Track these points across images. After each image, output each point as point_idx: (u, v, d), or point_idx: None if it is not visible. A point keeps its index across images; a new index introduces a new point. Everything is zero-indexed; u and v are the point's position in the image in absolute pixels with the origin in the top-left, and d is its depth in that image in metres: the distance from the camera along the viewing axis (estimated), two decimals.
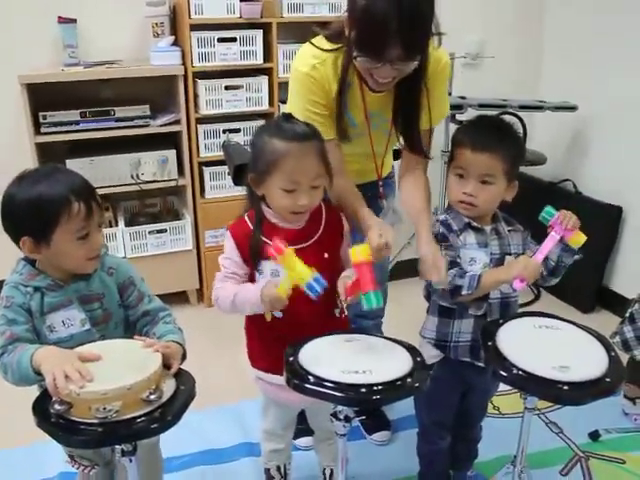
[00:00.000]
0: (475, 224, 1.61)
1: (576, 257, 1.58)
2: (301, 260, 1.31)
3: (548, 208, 1.56)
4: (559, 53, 3.37)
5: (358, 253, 1.35)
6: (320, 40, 1.67)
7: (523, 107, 3.00)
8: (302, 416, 1.79)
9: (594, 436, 2.25)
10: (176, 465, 2.11)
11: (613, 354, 1.36)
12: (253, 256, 1.50)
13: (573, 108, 3.08)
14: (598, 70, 3.11)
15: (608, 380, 1.28)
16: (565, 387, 1.24)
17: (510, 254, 1.63)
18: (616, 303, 3.00)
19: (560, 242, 1.54)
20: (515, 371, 1.28)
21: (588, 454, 2.18)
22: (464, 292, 1.52)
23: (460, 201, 1.60)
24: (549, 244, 1.53)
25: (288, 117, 1.52)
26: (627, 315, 2.22)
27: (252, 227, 1.53)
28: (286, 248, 1.31)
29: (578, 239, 1.53)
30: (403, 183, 1.82)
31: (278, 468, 1.79)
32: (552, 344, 1.39)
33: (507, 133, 1.64)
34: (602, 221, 3.02)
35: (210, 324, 2.88)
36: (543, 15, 3.41)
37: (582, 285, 3.03)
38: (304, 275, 1.29)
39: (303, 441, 2.13)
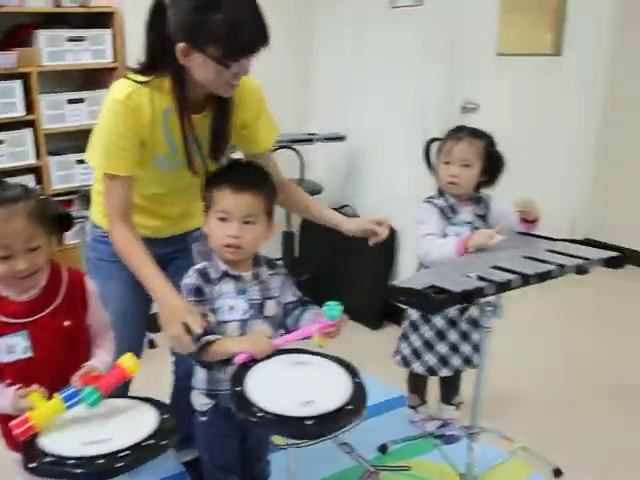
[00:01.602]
0: (233, 272, 1.64)
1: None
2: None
3: (336, 308, 1.55)
4: (327, 87, 3.56)
5: (125, 361, 1.40)
6: (133, 75, 1.67)
7: (294, 141, 3.13)
8: None
9: (382, 449, 2.36)
10: None
11: (357, 380, 1.44)
12: None
13: (342, 138, 3.26)
14: (361, 102, 3.33)
15: (350, 407, 1.34)
16: (309, 422, 1.29)
17: (271, 298, 1.68)
18: (401, 318, 3.17)
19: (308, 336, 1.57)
20: (261, 414, 1.30)
21: (377, 468, 2.27)
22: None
23: (226, 245, 1.60)
24: (298, 336, 1.58)
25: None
26: (401, 333, 2.37)
27: None
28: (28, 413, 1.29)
29: (322, 342, 1.56)
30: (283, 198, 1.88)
31: None
32: (300, 380, 1.43)
33: (263, 173, 1.69)
34: (381, 243, 3.21)
35: None
36: (311, 47, 3.58)
37: (369, 304, 3.19)
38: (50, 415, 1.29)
39: None
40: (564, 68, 3.89)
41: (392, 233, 3.19)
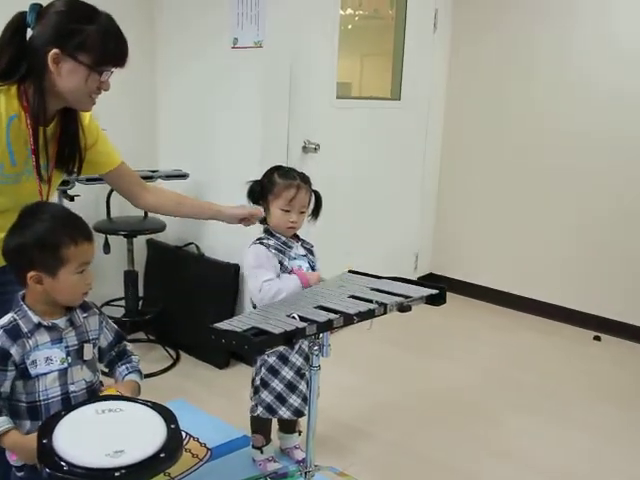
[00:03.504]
0: (46, 322, 1.56)
1: None
2: None
3: None
4: (172, 124, 3.53)
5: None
6: None
7: None
8: None
9: None
10: None
11: (173, 426, 1.40)
12: None
13: (184, 176, 3.24)
14: (206, 139, 3.33)
15: (163, 455, 1.31)
16: (118, 473, 1.24)
17: (89, 341, 1.63)
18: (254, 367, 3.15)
19: None
20: (67, 468, 1.25)
21: None
22: None
23: (84, 292, 1.59)
24: None
25: None
26: (258, 383, 2.29)
27: None
28: None
29: None
30: (150, 201, 2.14)
31: None
32: (111, 428, 1.38)
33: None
34: (223, 278, 3.21)
35: None
36: (155, 85, 3.54)
37: (216, 344, 3.15)
38: None
39: None
40: (403, 112, 4.10)
41: (236, 271, 3.22)
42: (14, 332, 1.53)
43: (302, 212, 2.21)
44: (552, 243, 4.09)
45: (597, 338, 3.88)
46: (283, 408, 2.27)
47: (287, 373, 2.26)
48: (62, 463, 1.27)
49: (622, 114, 3.70)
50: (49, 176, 1.82)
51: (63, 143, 1.82)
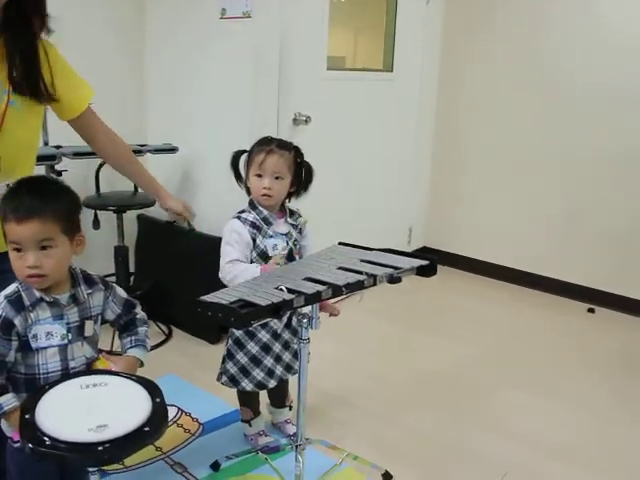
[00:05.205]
0: (48, 298, 1.54)
1: None
2: None
3: None
4: (161, 96, 3.48)
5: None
6: None
7: None
8: None
9: (215, 466, 2.31)
10: None
11: (158, 400, 1.38)
12: None
13: (173, 150, 3.20)
14: (195, 112, 3.29)
15: (147, 429, 1.29)
16: (102, 447, 1.23)
17: (91, 317, 1.61)
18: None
19: None
20: (50, 443, 1.23)
21: None
22: None
23: (28, 276, 1.49)
24: None
25: None
26: (225, 353, 2.32)
27: None
28: None
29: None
30: (101, 144, 2.07)
31: None
32: (95, 403, 1.36)
33: (51, 191, 1.58)
34: (215, 252, 3.16)
35: None
36: (144, 58, 3.49)
37: (207, 320, 3.13)
38: None
39: None
40: (396, 84, 4.05)
41: None
42: (17, 303, 1.51)
43: (277, 178, 2.15)
44: (548, 216, 4.07)
45: (591, 310, 3.88)
46: (246, 380, 2.28)
47: (252, 348, 2.26)
48: (45, 438, 1.25)
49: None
50: (7, 100, 1.67)
51: (11, 62, 1.67)
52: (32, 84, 1.72)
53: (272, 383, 2.31)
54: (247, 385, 2.29)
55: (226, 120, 3.16)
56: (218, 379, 2.34)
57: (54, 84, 1.77)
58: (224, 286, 1.75)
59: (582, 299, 3.97)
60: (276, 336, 2.27)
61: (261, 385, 2.30)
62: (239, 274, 2.07)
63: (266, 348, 2.27)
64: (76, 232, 1.58)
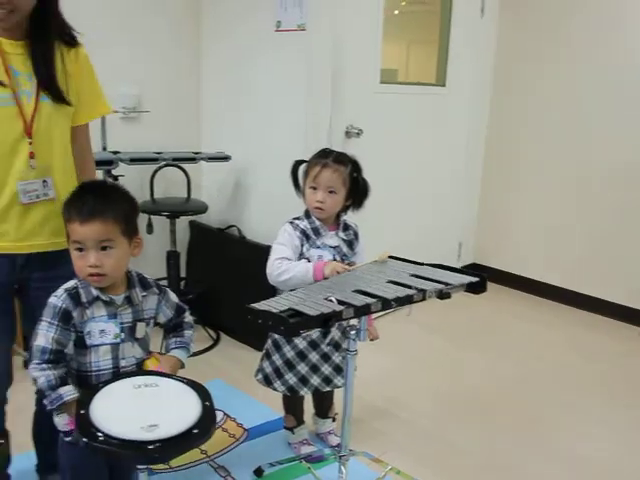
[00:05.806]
0: (104, 297, 1.59)
1: None
2: None
3: None
4: (215, 106, 3.55)
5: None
6: None
7: (177, 159, 3.09)
8: None
9: (258, 473, 2.33)
10: None
11: (207, 403, 1.41)
12: None
13: (227, 158, 3.25)
14: (248, 122, 3.34)
15: (196, 431, 1.32)
16: (152, 446, 1.26)
17: (143, 320, 1.66)
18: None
19: None
20: (103, 438, 1.27)
21: None
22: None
23: (89, 275, 1.55)
24: None
25: None
26: (264, 352, 2.36)
27: None
28: None
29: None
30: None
31: None
32: (147, 403, 1.40)
33: (112, 194, 1.64)
34: (264, 261, 3.20)
35: None
36: (200, 70, 3.57)
37: (256, 327, 3.17)
38: None
39: None
40: (448, 99, 4.04)
41: None
42: (76, 298, 1.58)
43: (331, 192, 2.17)
44: (602, 236, 3.98)
45: None
46: (279, 382, 2.31)
47: (288, 352, 2.29)
48: (98, 434, 1.29)
49: None
50: (36, 100, 1.69)
51: (36, 62, 1.69)
52: (52, 87, 1.72)
53: (305, 391, 2.32)
54: (279, 387, 2.32)
55: (279, 131, 3.20)
56: (255, 375, 2.38)
57: (74, 88, 1.78)
58: (273, 295, 1.77)
59: (634, 322, 3.87)
60: (314, 345, 2.28)
61: (293, 390, 2.31)
62: (289, 268, 2.10)
63: (301, 355, 2.28)
64: (134, 235, 1.65)
